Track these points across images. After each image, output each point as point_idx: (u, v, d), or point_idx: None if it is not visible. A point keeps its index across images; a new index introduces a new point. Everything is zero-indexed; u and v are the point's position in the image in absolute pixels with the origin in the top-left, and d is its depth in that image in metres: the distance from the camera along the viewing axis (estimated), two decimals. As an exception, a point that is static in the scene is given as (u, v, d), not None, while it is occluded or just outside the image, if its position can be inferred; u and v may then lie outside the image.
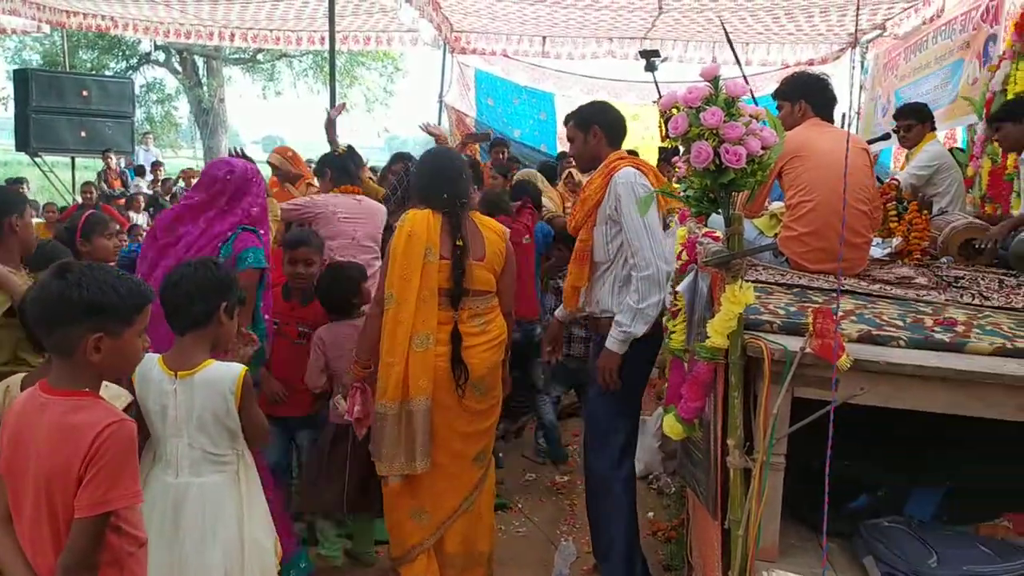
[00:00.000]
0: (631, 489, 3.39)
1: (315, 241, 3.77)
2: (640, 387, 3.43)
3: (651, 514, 4.45)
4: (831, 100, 3.44)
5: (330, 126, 5.39)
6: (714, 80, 2.03)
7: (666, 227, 3.32)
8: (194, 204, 3.17)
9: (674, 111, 2.06)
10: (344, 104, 6.14)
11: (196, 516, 2.33)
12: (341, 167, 4.49)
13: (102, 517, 1.83)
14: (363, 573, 3.74)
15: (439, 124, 10.84)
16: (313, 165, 5.40)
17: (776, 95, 3.52)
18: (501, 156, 8.29)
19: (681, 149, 2.09)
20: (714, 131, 1.96)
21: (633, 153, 3.52)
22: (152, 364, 2.38)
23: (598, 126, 3.34)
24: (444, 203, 3.11)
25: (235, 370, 2.40)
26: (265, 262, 3.17)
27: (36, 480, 1.85)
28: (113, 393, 2.14)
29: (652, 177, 3.23)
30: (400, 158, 5.82)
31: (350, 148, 4.61)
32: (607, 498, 3.38)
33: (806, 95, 3.39)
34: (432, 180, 3.19)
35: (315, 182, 5.28)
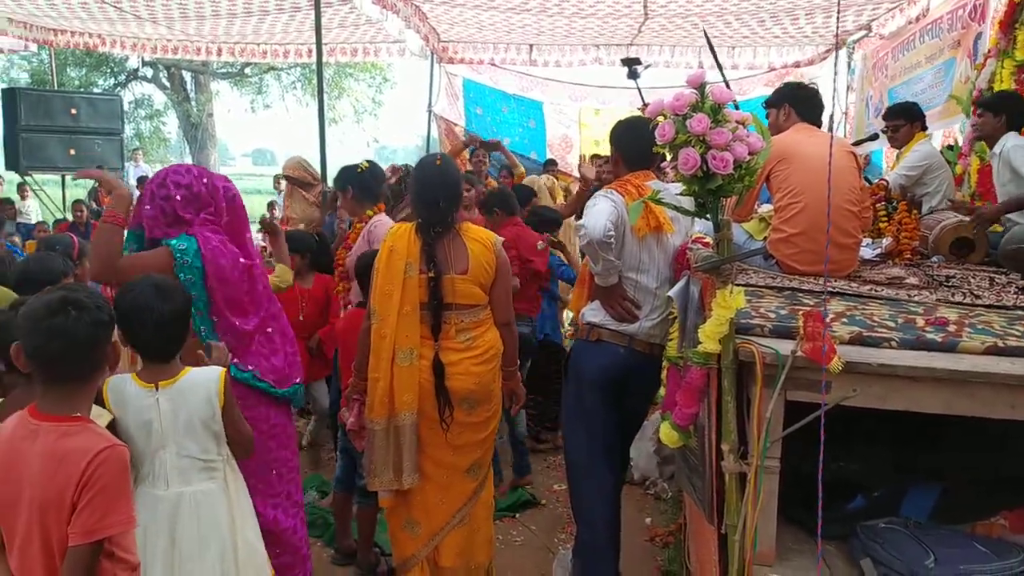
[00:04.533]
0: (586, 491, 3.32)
1: None
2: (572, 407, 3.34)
3: (648, 519, 4.45)
4: (817, 106, 3.47)
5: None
6: (700, 87, 2.04)
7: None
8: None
9: (661, 118, 2.07)
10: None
11: (191, 525, 2.32)
12: (362, 184, 4.30)
13: (97, 544, 1.82)
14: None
15: (428, 134, 10.85)
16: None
17: (765, 105, 3.60)
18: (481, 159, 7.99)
19: (669, 156, 2.09)
20: (701, 138, 1.97)
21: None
22: (126, 382, 2.35)
23: (617, 150, 3.35)
24: (422, 218, 3.11)
25: (215, 373, 2.39)
26: None
27: (29, 508, 1.84)
28: (94, 412, 2.12)
29: (628, 198, 3.10)
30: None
31: (371, 164, 4.38)
32: None
33: (791, 100, 3.42)
34: (416, 195, 3.19)
35: None
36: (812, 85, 3.56)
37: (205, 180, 3.00)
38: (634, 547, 3.98)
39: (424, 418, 3.03)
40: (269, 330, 3.03)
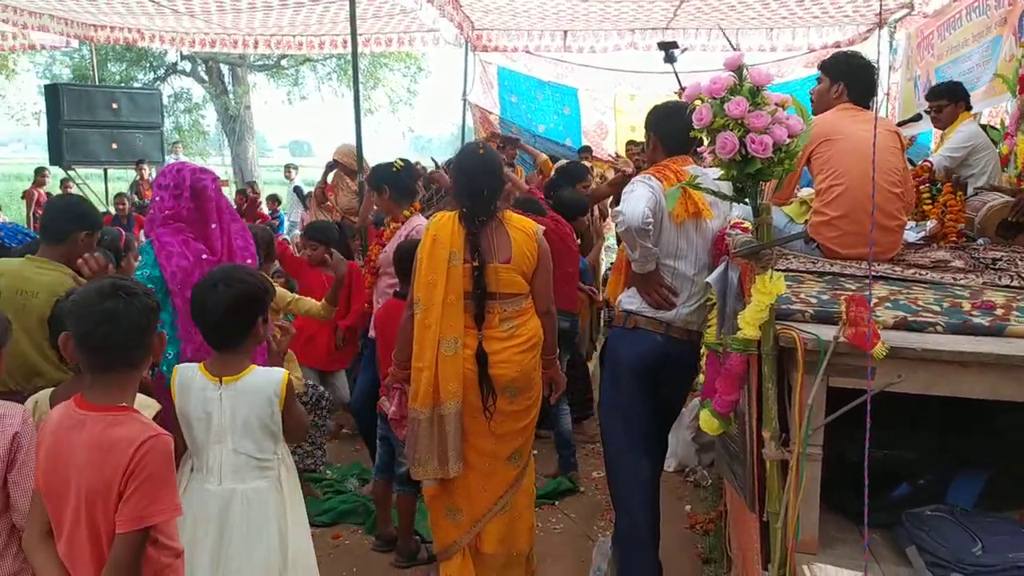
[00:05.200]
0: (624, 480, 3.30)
1: None
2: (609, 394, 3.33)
3: (688, 507, 4.43)
4: (870, 92, 3.38)
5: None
6: (738, 69, 2.01)
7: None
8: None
9: (698, 102, 2.04)
10: None
11: (241, 522, 2.34)
12: (399, 184, 4.26)
13: (143, 532, 1.85)
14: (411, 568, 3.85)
15: (463, 123, 10.86)
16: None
17: (820, 67, 3.48)
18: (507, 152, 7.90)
19: (706, 140, 2.07)
20: (739, 121, 1.94)
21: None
22: (194, 372, 2.40)
23: (655, 135, 3.31)
24: (466, 208, 3.12)
25: (278, 375, 2.42)
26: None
27: (77, 496, 1.88)
28: (141, 403, 2.16)
29: (666, 183, 3.05)
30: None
31: (407, 163, 4.38)
32: None
33: (847, 78, 3.32)
34: (459, 184, 3.21)
35: None
36: (872, 65, 3.44)
37: (178, 171, 3.01)
38: (674, 534, 3.97)
39: (467, 407, 3.04)
40: None
